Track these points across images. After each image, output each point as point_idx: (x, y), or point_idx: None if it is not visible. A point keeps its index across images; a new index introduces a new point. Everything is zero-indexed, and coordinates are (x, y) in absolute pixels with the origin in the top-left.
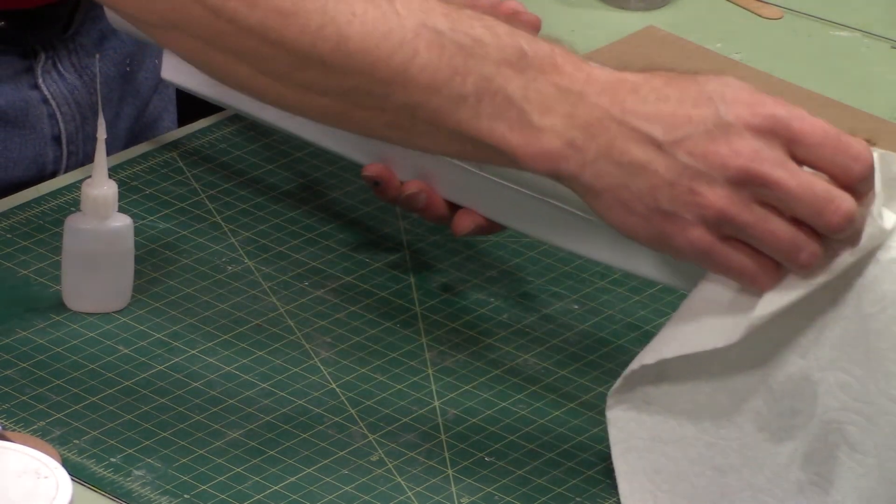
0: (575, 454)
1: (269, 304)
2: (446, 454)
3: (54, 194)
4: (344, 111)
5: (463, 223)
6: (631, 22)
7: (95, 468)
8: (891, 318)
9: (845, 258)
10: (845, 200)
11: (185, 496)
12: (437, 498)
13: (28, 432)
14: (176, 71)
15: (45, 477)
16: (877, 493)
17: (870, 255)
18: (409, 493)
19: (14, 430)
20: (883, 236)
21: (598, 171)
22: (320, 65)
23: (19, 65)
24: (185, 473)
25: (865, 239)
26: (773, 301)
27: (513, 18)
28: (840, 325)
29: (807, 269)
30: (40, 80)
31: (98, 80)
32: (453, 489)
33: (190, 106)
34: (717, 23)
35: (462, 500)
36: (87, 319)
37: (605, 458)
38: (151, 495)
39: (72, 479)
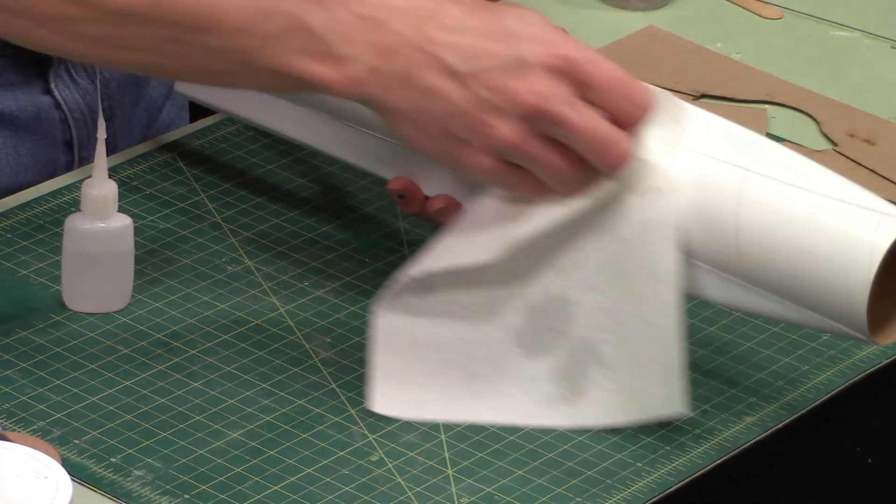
0: (575, 454)
1: (269, 304)
2: (446, 454)
3: (54, 194)
4: (158, 62)
5: None
6: (631, 22)
7: (95, 468)
8: (645, 243)
9: (605, 185)
10: (625, 142)
11: (185, 496)
12: (437, 498)
13: (28, 432)
14: (189, 84)
15: (45, 477)
16: (622, 406)
17: (628, 184)
18: (409, 493)
19: (14, 430)
20: (642, 167)
21: (397, 95)
22: (134, 20)
23: (32, 70)
24: (185, 473)
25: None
26: (533, 222)
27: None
28: (601, 249)
29: (575, 196)
30: (52, 86)
31: (98, 81)
32: (453, 489)
33: (203, 113)
34: (717, 23)
35: (462, 500)
36: (87, 319)
37: (606, 458)
38: (151, 495)
39: (72, 479)
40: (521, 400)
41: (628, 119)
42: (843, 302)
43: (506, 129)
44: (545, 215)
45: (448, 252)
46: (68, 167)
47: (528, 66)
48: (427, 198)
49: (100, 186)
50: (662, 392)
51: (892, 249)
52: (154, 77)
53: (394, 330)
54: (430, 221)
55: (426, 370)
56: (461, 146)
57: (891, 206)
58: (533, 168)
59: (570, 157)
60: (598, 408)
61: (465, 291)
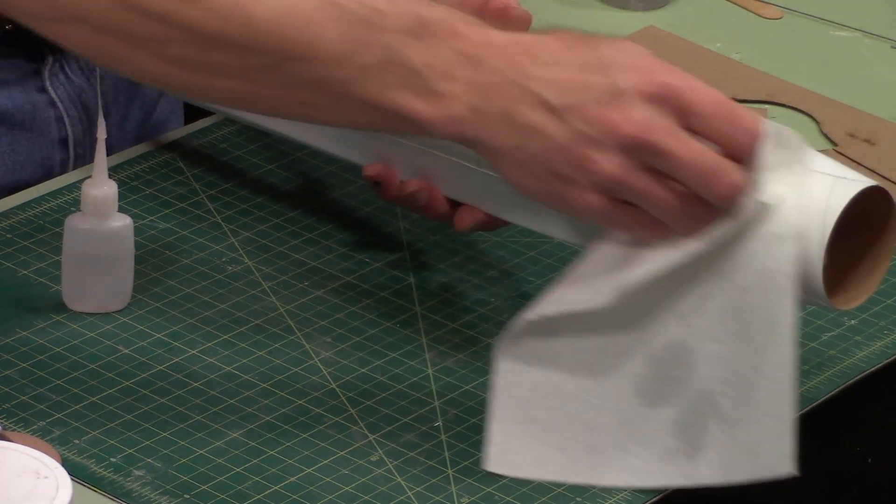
0: None
1: (269, 304)
2: (446, 454)
3: (54, 194)
4: (253, 92)
5: (464, 220)
6: (631, 22)
7: (95, 468)
8: (764, 291)
9: (722, 228)
10: (734, 172)
11: (185, 496)
12: (437, 498)
13: (28, 432)
14: None
15: (45, 477)
16: (739, 463)
17: (751, 229)
18: (409, 493)
19: (14, 430)
20: (760, 209)
21: (497, 134)
22: (227, 46)
23: (27, 67)
24: (185, 473)
25: (743, 210)
26: (648, 265)
27: (503, 13)
28: (720, 296)
29: (692, 235)
30: (48, 83)
31: (98, 79)
32: (453, 489)
33: (197, 109)
34: (717, 23)
35: (462, 500)
36: (87, 319)
37: None
38: (151, 495)
39: (72, 479)
40: (641, 455)
41: (737, 147)
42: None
43: (607, 163)
44: (660, 259)
45: (564, 296)
46: (64, 165)
47: (625, 95)
48: (402, 182)
49: (100, 186)
50: (775, 450)
51: (849, 212)
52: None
53: (514, 374)
54: (405, 207)
55: (545, 419)
56: (566, 185)
57: (851, 171)
58: (642, 203)
59: (679, 191)
60: (717, 465)
61: (587, 337)
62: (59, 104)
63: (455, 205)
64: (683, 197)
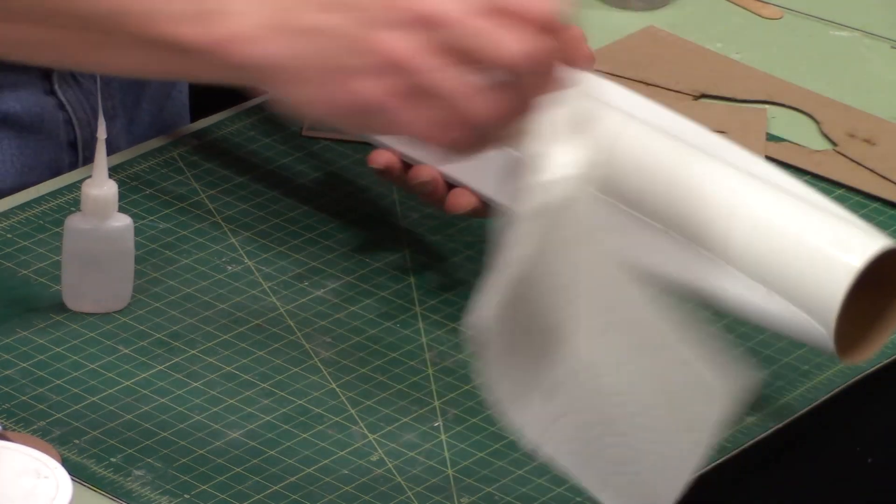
0: None
1: (269, 304)
2: (446, 454)
3: (54, 194)
4: (32, 32)
5: (458, 203)
6: (631, 22)
7: (95, 468)
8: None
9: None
10: (520, 39)
11: (185, 496)
12: (437, 498)
13: (28, 432)
14: None
15: (45, 477)
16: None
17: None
18: (409, 493)
19: (14, 431)
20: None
21: (277, 48)
22: None
23: (35, 70)
24: (185, 473)
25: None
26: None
27: (569, 47)
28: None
29: (463, 137)
30: (56, 86)
31: (98, 80)
32: (453, 489)
33: (204, 112)
34: (717, 23)
35: (462, 500)
36: (87, 319)
37: None
38: (151, 495)
39: (72, 479)
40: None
41: (525, 20)
42: (814, 310)
43: (396, 41)
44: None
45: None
46: (73, 168)
47: None
48: (408, 167)
49: (100, 186)
50: (664, 489)
51: (866, 269)
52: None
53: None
54: (410, 192)
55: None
56: (349, 82)
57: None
58: (430, 88)
59: (463, 86)
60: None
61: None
62: (68, 107)
63: (449, 187)
64: (471, 84)
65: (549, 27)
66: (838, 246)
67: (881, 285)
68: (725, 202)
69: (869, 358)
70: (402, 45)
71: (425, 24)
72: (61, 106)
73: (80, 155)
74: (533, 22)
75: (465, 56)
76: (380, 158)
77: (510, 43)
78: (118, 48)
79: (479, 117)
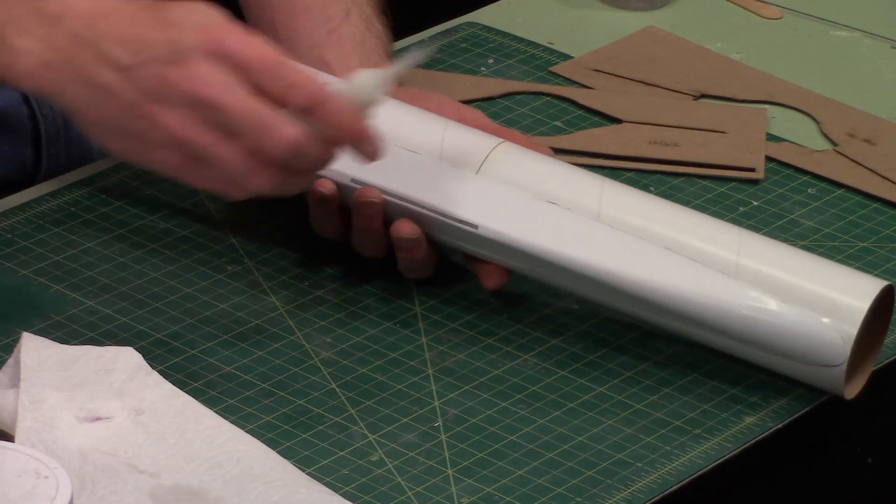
0: (575, 454)
1: (269, 304)
2: (446, 454)
3: (54, 194)
4: None
5: (491, 279)
6: (631, 22)
7: None
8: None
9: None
10: (287, 127)
11: None
12: (437, 498)
13: None
14: None
15: (45, 477)
16: None
17: None
18: (409, 493)
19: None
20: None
21: (74, 93)
22: None
23: None
24: None
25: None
26: None
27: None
28: None
29: (253, 194)
30: None
31: None
32: (453, 489)
33: None
34: (717, 23)
35: (462, 500)
36: (87, 319)
37: (605, 458)
38: None
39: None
40: None
41: (290, 103)
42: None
43: (173, 120)
44: None
45: None
46: (37, 163)
47: (187, 53)
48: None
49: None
50: None
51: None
52: None
53: None
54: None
55: None
56: (142, 143)
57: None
58: (210, 159)
59: (245, 147)
60: None
61: None
62: (33, 102)
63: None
64: (249, 153)
65: (315, 103)
66: (858, 274)
67: (871, 331)
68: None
69: (853, 395)
70: (179, 123)
71: (201, 105)
72: (25, 100)
73: (44, 151)
74: (301, 101)
75: (239, 135)
76: (323, 187)
77: (279, 136)
78: None
79: (261, 184)
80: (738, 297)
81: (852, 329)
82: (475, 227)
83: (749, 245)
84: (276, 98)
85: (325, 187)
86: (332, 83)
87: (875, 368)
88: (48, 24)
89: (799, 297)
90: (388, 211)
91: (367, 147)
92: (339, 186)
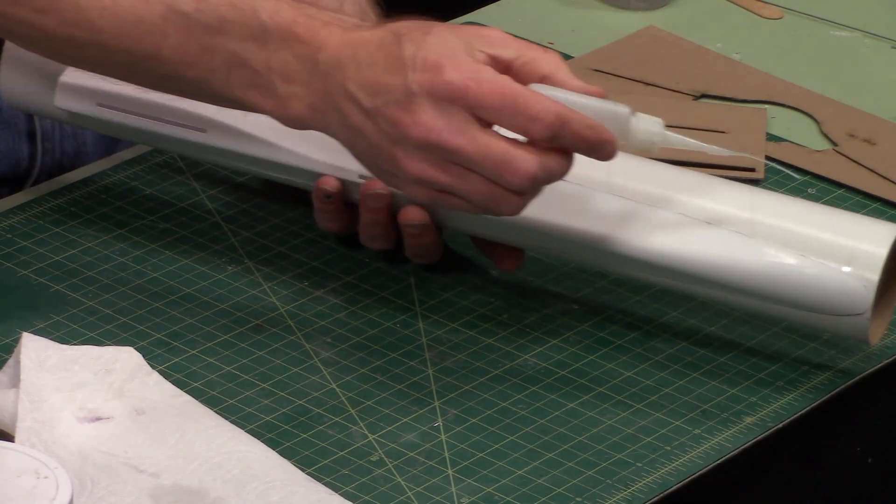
0: (575, 454)
1: (269, 304)
2: (446, 454)
3: (54, 194)
4: (121, 74)
5: (508, 262)
6: (631, 22)
7: None
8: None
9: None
10: (524, 161)
11: None
12: (437, 498)
13: None
14: (71, 99)
15: (45, 477)
16: None
17: None
18: (409, 493)
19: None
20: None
21: (336, 131)
22: (81, 48)
23: None
24: None
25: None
26: None
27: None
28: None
29: (510, 215)
30: None
31: None
32: (453, 489)
33: None
34: (717, 23)
35: (462, 500)
36: (87, 319)
37: (605, 458)
38: None
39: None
40: None
41: (528, 134)
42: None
43: (413, 162)
44: None
45: None
46: (31, 157)
47: (416, 97)
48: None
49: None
50: None
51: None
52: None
53: None
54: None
55: None
56: (394, 178)
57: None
58: (454, 193)
59: (485, 181)
60: None
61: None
62: None
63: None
64: (492, 184)
65: (557, 132)
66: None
67: (891, 275)
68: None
69: (877, 341)
70: (418, 165)
71: (436, 149)
72: None
73: (39, 146)
74: (545, 133)
75: (479, 171)
76: (327, 183)
77: (517, 172)
78: (207, 98)
79: (513, 209)
80: (756, 255)
81: (873, 276)
82: None
83: (762, 202)
84: (514, 131)
85: (329, 184)
86: (567, 98)
87: (875, 369)
88: (309, 68)
89: (816, 249)
90: (395, 202)
91: (606, 150)
92: (343, 182)
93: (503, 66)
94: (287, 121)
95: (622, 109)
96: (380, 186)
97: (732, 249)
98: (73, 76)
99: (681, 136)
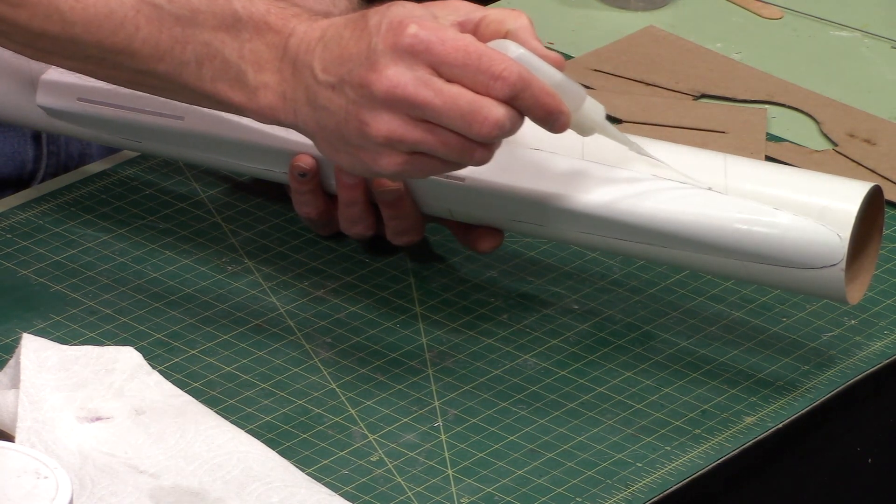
0: (575, 454)
1: (269, 304)
2: (446, 454)
3: (54, 194)
4: (90, 69)
5: (485, 242)
6: (631, 22)
7: None
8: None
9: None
10: (492, 109)
11: None
12: (437, 498)
13: None
14: (52, 96)
15: (45, 477)
16: None
17: None
18: (409, 493)
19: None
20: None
21: (306, 118)
22: (54, 40)
23: None
24: None
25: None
26: None
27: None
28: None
29: (480, 164)
30: None
31: None
32: (453, 489)
33: None
34: (717, 23)
35: (462, 500)
36: (87, 320)
37: (605, 458)
38: None
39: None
40: None
41: (490, 92)
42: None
43: (381, 123)
44: None
45: None
46: (37, 160)
47: (381, 55)
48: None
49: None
50: None
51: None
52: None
53: None
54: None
55: None
56: (363, 152)
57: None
58: (426, 151)
59: (454, 134)
60: None
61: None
62: None
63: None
64: (458, 137)
65: (518, 92)
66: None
67: (865, 236)
68: None
69: (856, 301)
70: (386, 125)
71: (402, 104)
72: None
73: (44, 148)
74: (506, 92)
75: (446, 124)
76: (302, 161)
77: (484, 121)
78: (178, 94)
79: (483, 159)
80: (729, 210)
81: (846, 228)
82: (462, 179)
83: (735, 167)
84: (475, 89)
85: (304, 161)
86: (524, 56)
87: (875, 369)
88: (279, 55)
89: (791, 207)
90: (369, 179)
91: (560, 121)
92: (319, 162)
93: (469, 30)
94: (258, 113)
95: (580, 89)
96: None
97: (705, 206)
98: (55, 74)
99: (617, 131)
